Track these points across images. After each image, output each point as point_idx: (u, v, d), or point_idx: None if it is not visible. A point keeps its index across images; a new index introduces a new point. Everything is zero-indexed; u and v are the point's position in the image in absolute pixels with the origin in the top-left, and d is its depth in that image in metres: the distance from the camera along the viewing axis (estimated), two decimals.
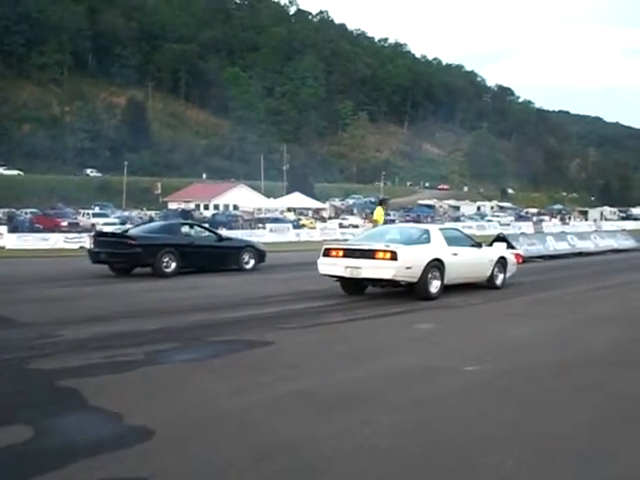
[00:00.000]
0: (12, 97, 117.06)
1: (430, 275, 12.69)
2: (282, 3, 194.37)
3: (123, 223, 46.00)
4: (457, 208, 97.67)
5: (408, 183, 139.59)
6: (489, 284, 14.54)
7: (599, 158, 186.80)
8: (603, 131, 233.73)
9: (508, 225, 56.97)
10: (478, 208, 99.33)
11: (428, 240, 13.34)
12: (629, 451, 4.90)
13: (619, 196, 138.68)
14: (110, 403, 5.88)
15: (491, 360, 7.74)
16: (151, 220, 46.05)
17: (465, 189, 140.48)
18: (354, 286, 13.51)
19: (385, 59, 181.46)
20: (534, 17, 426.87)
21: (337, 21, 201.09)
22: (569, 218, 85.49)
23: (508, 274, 15.13)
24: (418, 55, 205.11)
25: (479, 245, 14.74)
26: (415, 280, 12.54)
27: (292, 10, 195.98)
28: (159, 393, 6.39)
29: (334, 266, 13.04)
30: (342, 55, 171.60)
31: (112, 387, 6.53)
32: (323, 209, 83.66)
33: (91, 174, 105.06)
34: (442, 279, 12.94)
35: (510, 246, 20.69)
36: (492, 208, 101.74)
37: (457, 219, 70.32)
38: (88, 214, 54.18)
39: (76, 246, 30.07)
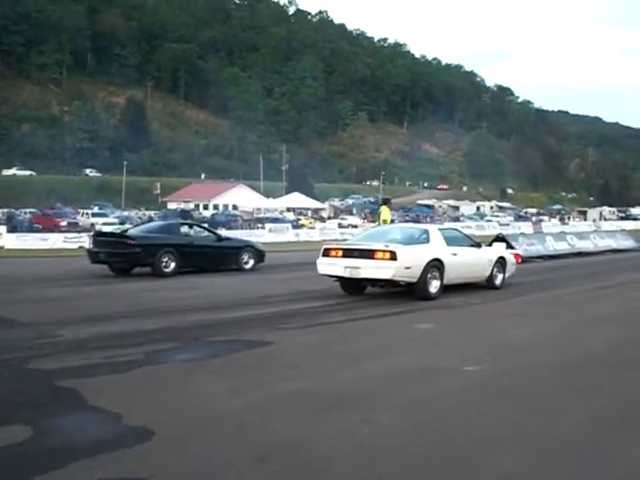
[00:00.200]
0: (11, 97, 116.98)
1: (429, 275, 12.69)
2: (281, 3, 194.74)
3: (122, 223, 45.98)
4: (456, 208, 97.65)
5: (407, 183, 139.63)
6: (488, 284, 14.54)
7: (598, 158, 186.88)
8: (602, 131, 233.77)
9: (507, 225, 57.00)
10: (477, 208, 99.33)
11: (427, 240, 13.34)
12: (629, 451, 4.89)
13: (618, 196, 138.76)
14: (109, 403, 5.88)
15: (491, 360, 7.74)
16: (150, 220, 46.04)
17: (464, 189, 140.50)
18: (353, 286, 13.51)
19: (384, 59, 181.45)
20: (533, 17, 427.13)
21: (336, 21, 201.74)
22: (568, 218, 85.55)
23: (507, 274, 15.14)
24: (417, 55, 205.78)
25: (478, 245, 14.73)
26: (414, 280, 12.54)
27: (291, 10, 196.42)
28: (158, 393, 6.38)
29: (333, 266, 13.04)
30: (341, 55, 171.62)
31: (111, 387, 6.52)
32: (322, 209, 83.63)
33: (90, 174, 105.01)
34: (441, 279, 12.94)
35: (509, 246, 20.69)
36: (491, 208, 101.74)
37: (456, 219, 70.29)
38: (87, 214, 54.14)
39: (75, 246, 30.07)
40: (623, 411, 5.91)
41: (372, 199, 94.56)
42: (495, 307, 12.54)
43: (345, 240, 21.07)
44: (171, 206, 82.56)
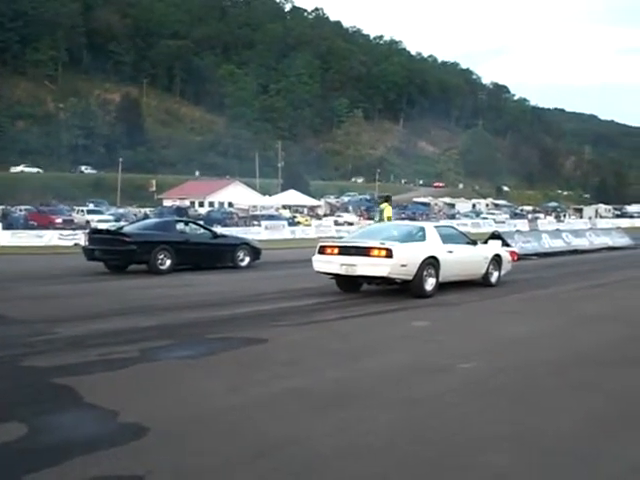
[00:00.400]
0: (6, 94, 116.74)
1: (425, 273, 12.68)
2: (277, 0, 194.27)
3: (118, 220, 45.86)
4: (452, 206, 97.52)
5: (403, 181, 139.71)
6: (484, 282, 14.56)
7: (594, 156, 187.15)
8: (598, 129, 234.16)
9: (503, 223, 57.07)
10: (473, 206, 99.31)
11: (423, 238, 13.34)
12: (626, 449, 4.89)
13: (614, 194, 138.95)
14: (105, 400, 5.86)
15: (486, 358, 7.74)
16: (146, 217, 45.94)
17: (460, 187, 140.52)
18: (349, 283, 13.50)
19: (380, 56, 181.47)
20: (530, 15, 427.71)
21: (332, 18, 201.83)
22: (564, 216, 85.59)
23: (503, 272, 15.16)
24: (413, 52, 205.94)
25: (474, 243, 14.74)
26: (410, 278, 12.53)
27: (287, 7, 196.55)
28: (154, 390, 6.37)
29: (329, 264, 13.03)
30: (337, 52, 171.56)
31: (107, 384, 6.51)
32: (318, 206, 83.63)
33: (85, 171, 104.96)
34: (437, 277, 12.94)
35: (505, 244, 20.68)
36: (487, 206, 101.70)
37: (452, 217, 70.26)
38: (82, 211, 53.97)
39: (70, 243, 30.05)
40: (619, 409, 5.91)
41: (368, 196, 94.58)
42: (491, 305, 12.54)
43: (341, 237, 21.04)
44: (167, 203, 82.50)
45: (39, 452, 4.68)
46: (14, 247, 29.10)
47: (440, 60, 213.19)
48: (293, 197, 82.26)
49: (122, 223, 32.80)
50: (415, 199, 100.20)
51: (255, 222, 50.81)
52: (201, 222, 27.02)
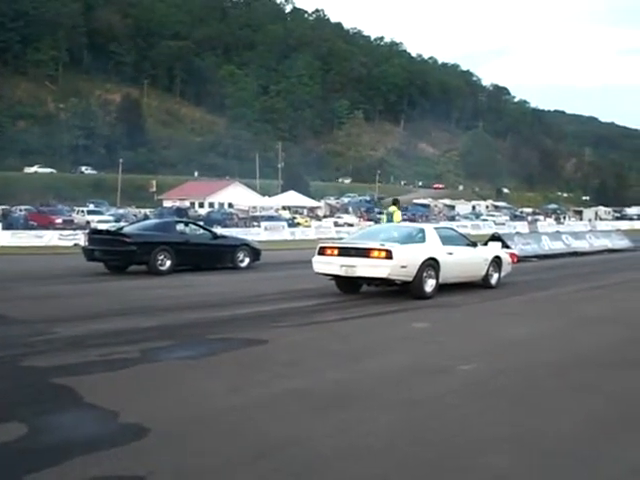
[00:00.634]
0: (7, 94, 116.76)
1: (425, 274, 12.69)
2: (278, 1, 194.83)
3: (118, 221, 45.87)
4: (452, 207, 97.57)
5: (403, 182, 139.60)
6: (484, 283, 14.56)
7: (594, 158, 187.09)
8: (598, 131, 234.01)
9: (503, 224, 57.04)
10: (473, 207, 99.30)
11: (423, 239, 13.34)
12: (625, 451, 4.89)
13: (614, 196, 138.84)
14: (105, 401, 5.86)
15: (487, 359, 7.75)
16: (146, 218, 45.96)
17: (460, 188, 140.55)
18: (349, 285, 13.51)
19: (381, 58, 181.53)
20: (530, 16, 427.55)
21: (333, 20, 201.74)
22: (564, 218, 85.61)
23: (503, 273, 15.17)
24: (414, 54, 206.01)
25: (474, 244, 14.76)
26: (410, 279, 12.54)
27: (288, 8, 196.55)
28: (155, 391, 6.37)
29: (329, 265, 13.04)
30: (338, 54, 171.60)
31: (107, 385, 6.51)
32: (318, 207, 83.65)
33: (86, 171, 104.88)
34: (437, 278, 12.95)
35: (505, 245, 20.69)
36: (487, 207, 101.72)
37: (452, 218, 70.28)
38: (82, 211, 54.00)
39: (70, 243, 30.05)
40: (619, 411, 5.91)
41: (368, 198, 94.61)
42: (491, 306, 12.54)
43: (341, 239, 21.05)
44: (167, 204, 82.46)
45: (39, 452, 4.68)
46: (14, 247, 29.12)
47: (440, 62, 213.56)
48: (293, 198, 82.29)
49: (122, 224, 32.79)
50: (415, 200, 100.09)
51: (255, 223, 50.83)
52: (201, 223, 27.05)
